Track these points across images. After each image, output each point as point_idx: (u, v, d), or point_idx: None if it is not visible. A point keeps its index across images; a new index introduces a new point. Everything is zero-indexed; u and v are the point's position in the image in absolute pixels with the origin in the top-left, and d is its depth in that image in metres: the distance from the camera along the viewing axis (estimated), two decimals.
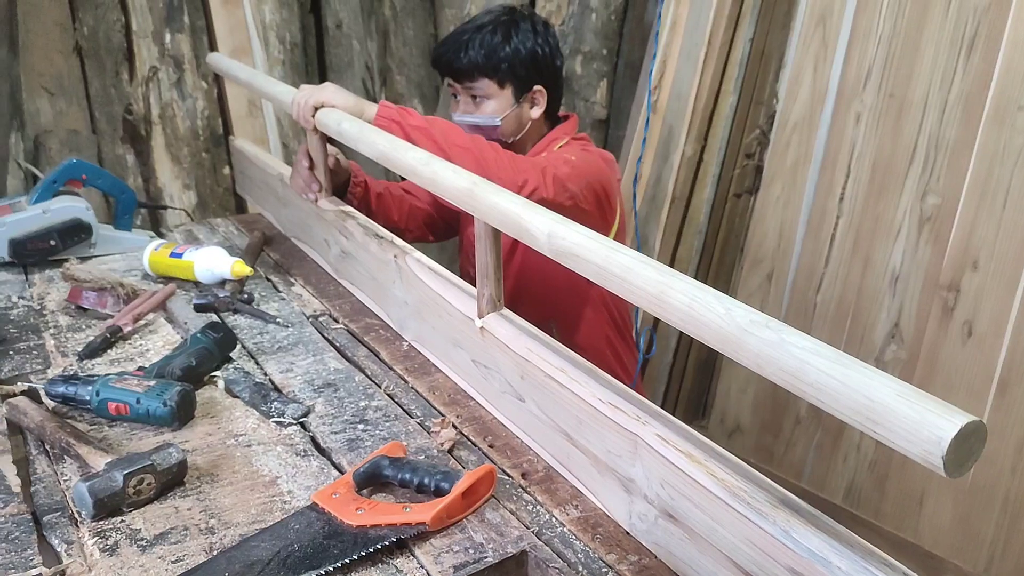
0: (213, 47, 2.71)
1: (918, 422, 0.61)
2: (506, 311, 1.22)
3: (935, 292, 2.14)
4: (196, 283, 1.70)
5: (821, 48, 2.38)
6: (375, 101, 1.59)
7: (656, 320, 2.77)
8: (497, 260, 1.17)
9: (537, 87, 1.74)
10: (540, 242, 1.01)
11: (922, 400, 0.61)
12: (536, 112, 1.76)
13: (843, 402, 0.66)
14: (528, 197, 1.23)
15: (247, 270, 1.66)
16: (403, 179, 1.62)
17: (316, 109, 1.62)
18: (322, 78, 2.92)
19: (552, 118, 1.81)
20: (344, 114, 1.57)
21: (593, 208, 1.64)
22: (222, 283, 1.68)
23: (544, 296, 1.74)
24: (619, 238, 1.76)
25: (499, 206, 1.09)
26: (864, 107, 2.28)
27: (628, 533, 1.00)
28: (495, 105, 1.72)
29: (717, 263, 2.77)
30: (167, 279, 1.71)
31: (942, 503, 2.12)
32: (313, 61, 2.92)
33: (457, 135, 1.53)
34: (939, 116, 2.13)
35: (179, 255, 1.70)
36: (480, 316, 1.22)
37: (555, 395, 1.07)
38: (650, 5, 2.88)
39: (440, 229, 1.98)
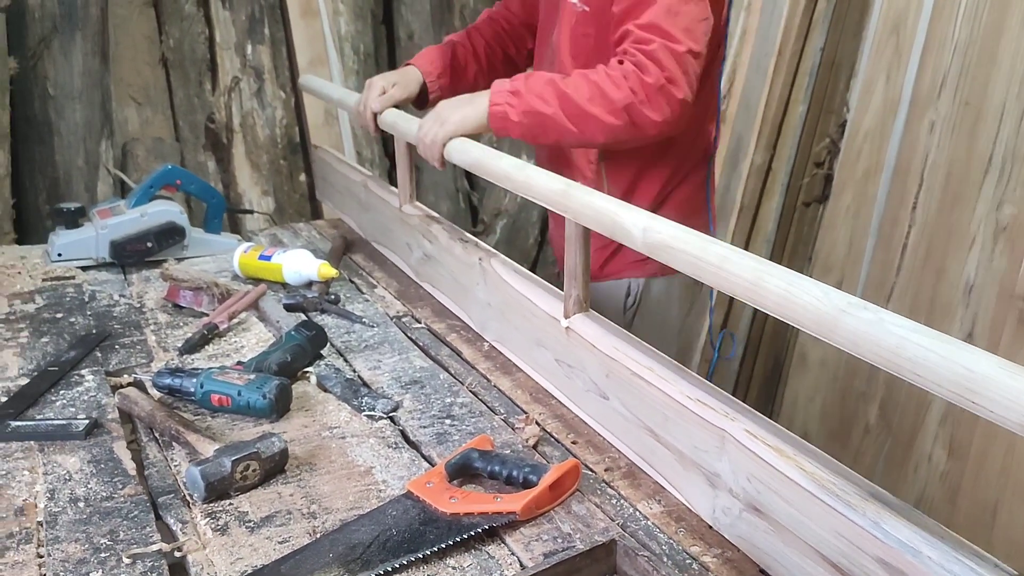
0: (292, 58, 2.81)
1: (1019, 391, 0.63)
2: (592, 312, 1.26)
3: (1011, 303, 2.12)
4: (284, 284, 1.77)
5: (895, 56, 2.38)
6: None
7: (724, 323, 2.78)
8: (586, 262, 1.21)
9: None
10: (635, 237, 1.05)
11: (1022, 371, 0.64)
12: None
13: (942, 375, 0.68)
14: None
15: (333, 272, 1.73)
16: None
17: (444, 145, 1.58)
18: None
19: None
20: (473, 144, 1.53)
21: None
22: (308, 284, 1.75)
23: None
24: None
25: (593, 204, 1.14)
26: (938, 116, 2.27)
27: (711, 527, 1.03)
28: None
29: None
30: (256, 280, 1.78)
31: (1017, 515, 2.09)
32: (385, 71, 3.00)
33: (556, 94, 1.47)
34: (1016, 125, 2.11)
35: (268, 258, 1.78)
36: (566, 316, 1.26)
37: (641, 393, 1.11)
38: None
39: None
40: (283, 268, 1.75)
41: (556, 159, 1.68)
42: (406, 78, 1.83)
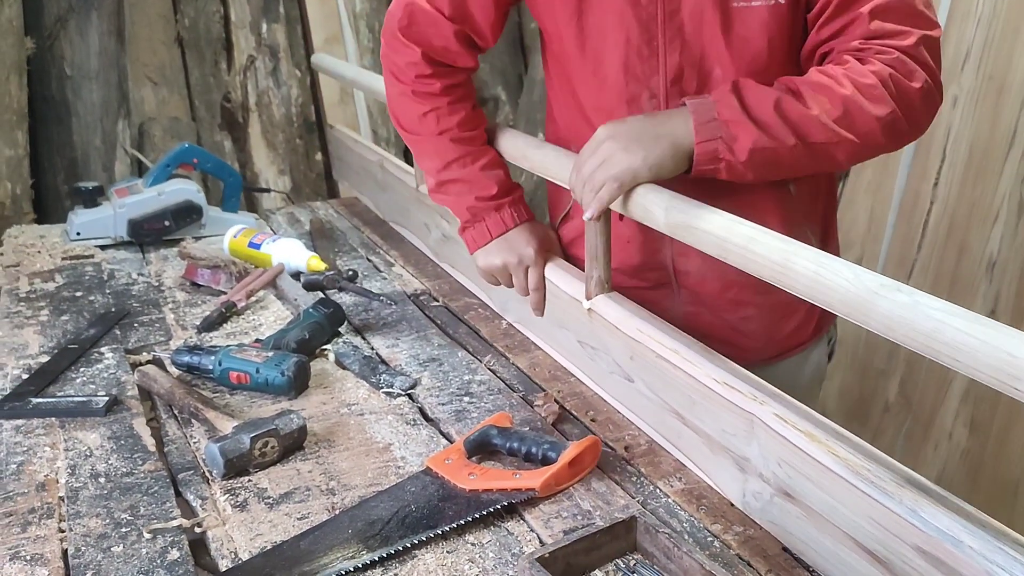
0: (307, 37, 2.79)
1: None
2: (614, 293, 1.24)
3: None
4: None
5: None
6: None
7: None
8: (607, 243, 1.18)
9: None
10: (657, 217, 1.02)
11: None
12: None
13: (983, 360, 0.66)
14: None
15: (322, 265, 1.68)
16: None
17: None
18: None
19: None
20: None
21: None
22: (296, 275, 1.68)
23: None
24: None
25: None
26: (961, 90, 2.23)
27: (733, 505, 1.02)
28: None
29: None
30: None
31: None
32: None
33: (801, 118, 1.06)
34: None
35: (257, 246, 1.74)
36: (588, 298, 1.24)
37: (667, 375, 1.09)
38: None
39: None
40: (272, 259, 1.71)
41: (739, 204, 1.09)
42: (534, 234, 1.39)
